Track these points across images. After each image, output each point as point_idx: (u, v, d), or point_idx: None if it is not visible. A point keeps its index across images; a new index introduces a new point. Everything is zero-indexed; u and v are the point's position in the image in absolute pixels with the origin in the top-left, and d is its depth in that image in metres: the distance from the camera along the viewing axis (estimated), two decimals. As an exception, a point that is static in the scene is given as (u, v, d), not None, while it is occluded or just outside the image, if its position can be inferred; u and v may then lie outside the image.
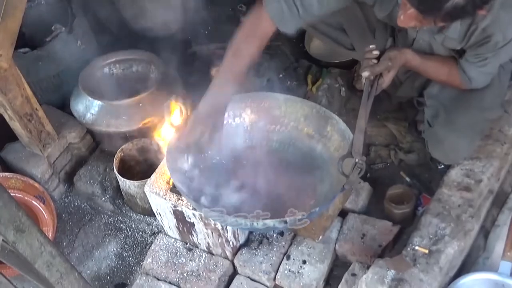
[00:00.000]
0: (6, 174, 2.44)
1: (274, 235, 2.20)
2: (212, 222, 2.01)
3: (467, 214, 1.97)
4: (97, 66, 2.66)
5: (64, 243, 2.51)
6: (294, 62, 2.87)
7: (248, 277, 2.17)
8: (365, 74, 1.87)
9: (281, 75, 2.79)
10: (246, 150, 2.18)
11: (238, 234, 2.12)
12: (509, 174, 2.22)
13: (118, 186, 2.49)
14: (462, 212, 1.98)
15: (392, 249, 2.10)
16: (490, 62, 1.91)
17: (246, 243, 2.20)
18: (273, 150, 2.18)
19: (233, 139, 2.16)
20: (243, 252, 2.17)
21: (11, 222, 1.15)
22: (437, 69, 2.02)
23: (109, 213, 2.58)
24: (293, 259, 2.13)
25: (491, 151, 2.13)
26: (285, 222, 1.76)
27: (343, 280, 2.05)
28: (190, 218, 2.06)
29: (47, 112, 2.47)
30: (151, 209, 2.21)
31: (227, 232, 2.05)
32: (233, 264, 2.20)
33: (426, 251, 1.88)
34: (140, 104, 2.43)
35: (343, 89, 2.64)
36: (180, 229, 2.18)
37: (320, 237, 2.14)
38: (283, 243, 2.18)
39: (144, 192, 2.12)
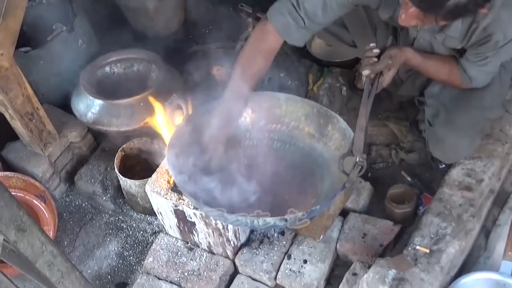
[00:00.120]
0: (7, 173, 2.44)
1: (275, 234, 2.20)
2: (213, 222, 2.01)
3: (468, 213, 1.97)
4: (98, 65, 2.66)
5: (65, 242, 2.51)
6: (295, 62, 2.86)
7: (249, 277, 2.17)
8: (365, 72, 1.87)
9: (282, 75, 2.79)
10: (247, 149, 2.18)
11: (239, 233, 2.12)
12: (510, 174, 2.22)
13: (119, 185, 2.49)
14: (463, 212, 1.98)
15: (393, 248, 2.10)
16: (491, 61, 1.91)
17: (247, 243, 2.20)
18: (274, 149, 2.18)
19: (234, 138, 2.15)
20: (244, 251, 2.17)
21: (12, 221, 1.15)
22: (438, 68, 2.02)
23: (110, 212, 2.58)
24: (294, 259, 2.13)
25: (492, 151, 2.13)
26: (285, 220, 1.76)
27: (344, 280, 2.04)
28: (191, 218, 2.06)
29: (48, 111, 2.47)
30: (152, 208, 2.21)
31: (228, 232, 2.05)
32: (234, 263, 2.20)
33: (427, 251, 1.88)
34: (141, 104, 2.43)
35: (344, 88, 2.64)
36: (181, 228, 2.18)
37: (321, 236, 2.14)
38: (284, 242, 2.18)
39: (145, 191, 2.12)
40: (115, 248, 2.47)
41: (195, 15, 3.06)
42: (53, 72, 2.67)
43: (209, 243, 2.17)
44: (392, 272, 1.85)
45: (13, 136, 2.50)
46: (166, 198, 2.04)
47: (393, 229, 2.14)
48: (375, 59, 1.88)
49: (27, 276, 1.33)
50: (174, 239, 2.27)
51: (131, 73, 2.72)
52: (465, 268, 2.03)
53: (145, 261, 2.25)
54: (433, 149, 2.16)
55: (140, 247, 2.45)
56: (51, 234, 2.37)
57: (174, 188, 2.04)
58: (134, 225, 2.52)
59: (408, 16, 1.66)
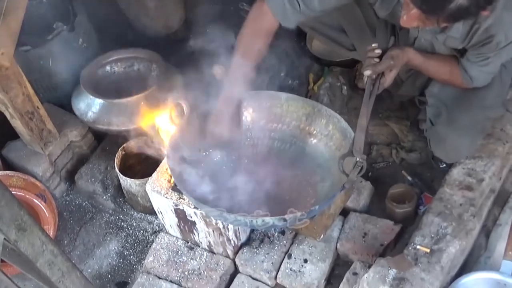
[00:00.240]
0: (8, 172, 2.44)
1: (276, 234, 2.20)
2: (214, 221, 2.01)
3: (468, 213, 1.97)
4: (98, 65, 2.66)
5: (65, 242, 2.51)
6: (295, 61, 2.86)
7: (250, 276, 2.17)
8: (367, 73, 1.86)
9: (282, 74, 2.79)
10: (247, 149, 2.17)
11: (239, 233, 2.12)
12: (511, 173, 2.22)
13: (119, 184, 2.49)
14: (463, 211, 1.98)
15: (393, 248, 2.10)
16: (492, 61, 1.91)
17: (248, 242, 2.20)
18: (274, 148, 2.18)
19: (235, 137, 2.15)
20: (245, 251, 2.17)
21: (12, 220, 1.15)
22: (439, 68, 2.02)
23: (110, 211, 2.58)
24: (295, 258, 2.13)
25: (493, 150, 2.13)
26: (285, 220, 1.76)
27: (344, 279, 2.04)
28: (191, 217, 2.06)
29: (49, 110, 2.47)
30: (152, 207, 2.21)
31: (228, 231, 2.05)
32: (235, 263, 2.20)
33: (428, 250, 1.88)
34: (142, 103, 2.43)
35: (345, 87, 2.64)
36: (182, 227, 2.18)
37: (322, 236, 2.14)
38: (285, 242, 2.18)
39: (145, 190, 2.12)
40: (116, 247, 2.47)
41: (195, 14, 3.05)
42: (53, 71, 2.67)
43: (209, 242, 2.17)
44: (392, 272, 1.85)
45: (14, 135, 2.50)
46: (166, 197, 2.04)
47: (393, 229, 2.14)
48: (377, 60, 1.88)
49: (27, 276, 1.33)
50: (174, 238, 2.27)
51: (132, 72, 2.73)
52: (465, 268, 2.03)
53: (145, 260, 2.25)
54: (434, 148, 2.16)
55: (141, 246, 2.45)
56: (51, 233, 2.37)
57: (175, 188, 2.04)
58: (135, 224, 2.52)
59: (409, 17, 1.65)
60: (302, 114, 2.14)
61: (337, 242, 2.16)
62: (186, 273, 2.17)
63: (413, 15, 1.63)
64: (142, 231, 2.49)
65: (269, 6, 1.90)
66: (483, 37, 1.80)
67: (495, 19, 1.73)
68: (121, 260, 2.43)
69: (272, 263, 2.13)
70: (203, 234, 2.14)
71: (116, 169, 2.35)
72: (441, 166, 2.34)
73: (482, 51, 1.87)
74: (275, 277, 2.12)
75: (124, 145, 2.41)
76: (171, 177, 2.06)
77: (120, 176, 2.34)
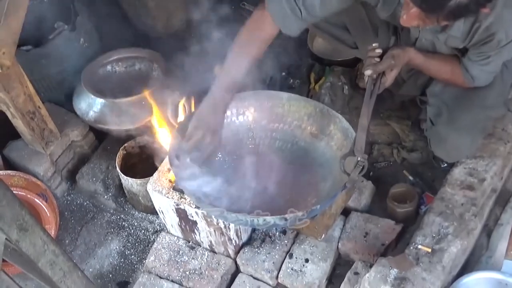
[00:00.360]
0: (9, 172, 2.44)
1: (277, 233, 2.20)
2: (215, 220, 2.01)
3: (470, 213, 1.97)
4: (99, 64, 2.67)
5: (67, 241, 2.51)
6: (297, 61, 2.86)
7: (251, 276, 2.17)
8: (368, 72, 1.86)
9: (283, 74, 2.79)
10: (249, 149, 2.17)
11: (240, 232, 2.12)
12: (512, 173, 2.22)
13: (121, 184, 2.49)
14: (465, 211, 1.97)
15: (395, 248, 2.10)
16: (493, 60, 1.90)
17: (249, 242, 2.20)
18: (275, 148, 2.18)
19: (236, 137, 2.15)
20: (246, 250, 2.17)
21: (14, 220, 1.15)
22: (440, 67, 2.02)
23: (111, 211, 2.58)
24: (296, 258, 2.13)
25: (495, 150, 2.13)
26: (285, 219, 1.76)
27: (345, 279, 2.04)
28: (192, 216, 2.06)
29: (50, 110, 2.47)
30: (154, 207, 2.21)
31: (229, 231, 2.05)
32: (236, 262, 2.20)
33: (429, 250, 1.87)
34: (143, 102, 2.43)
35: (346, 87, 2.64)
36: (183, 227, 2.18)
37: (323, 235, 2.14)
38: (286, 241, 2.18)
39: (146, 190, 2.12)
40: (117, 247, 2.47)
41: (196, 14, 3.05)
42: (54, 71, 2.67)
43: (210, 242, 2.17)
44: (394, 271, 1.85)
45: (15, 135, 2.50)
46: (167, 197, 2.04)
47: (395, 228, 2.14)
48: (378, 59, 1.87)
49: (29, 275, 1.33)
50: (175, 238, 2.27)
51: (133, 72, 2.73)
52: (467, 268, 2.03)
53: (146, 260, 2.25)
54: (435, 148, 2.16)
55: (142, 246, 2.45)
56: (52, 233, 2.37)
57: (176, 187, 2.04)
58: (136, 224, 2.52)
59: (409, 16, 1.65)
60: (303, 114, 2.14)
61: (338, 242, 2.16)
62: (187, 272, 2.17)
63: (413, 14, 1.63)
64: (143, 231, 2.49)
65: (269, 12, 1.89)
66: (484, 36, 1.80)
67: (495, 17, 1.73)
68: (122, 260, 2.43)
69: (273, 262, 2.13)
70: (204, 234, 2.14)
71: (117, 168, 2.35)
72: (442, 166, 2.34)
73: (483, 50, 1.86)
74: (276, 277, 2.12)
75: (125, 144, 2.41)
76: (172, 176, 2.06)
77: (121, 175, 2.34)
